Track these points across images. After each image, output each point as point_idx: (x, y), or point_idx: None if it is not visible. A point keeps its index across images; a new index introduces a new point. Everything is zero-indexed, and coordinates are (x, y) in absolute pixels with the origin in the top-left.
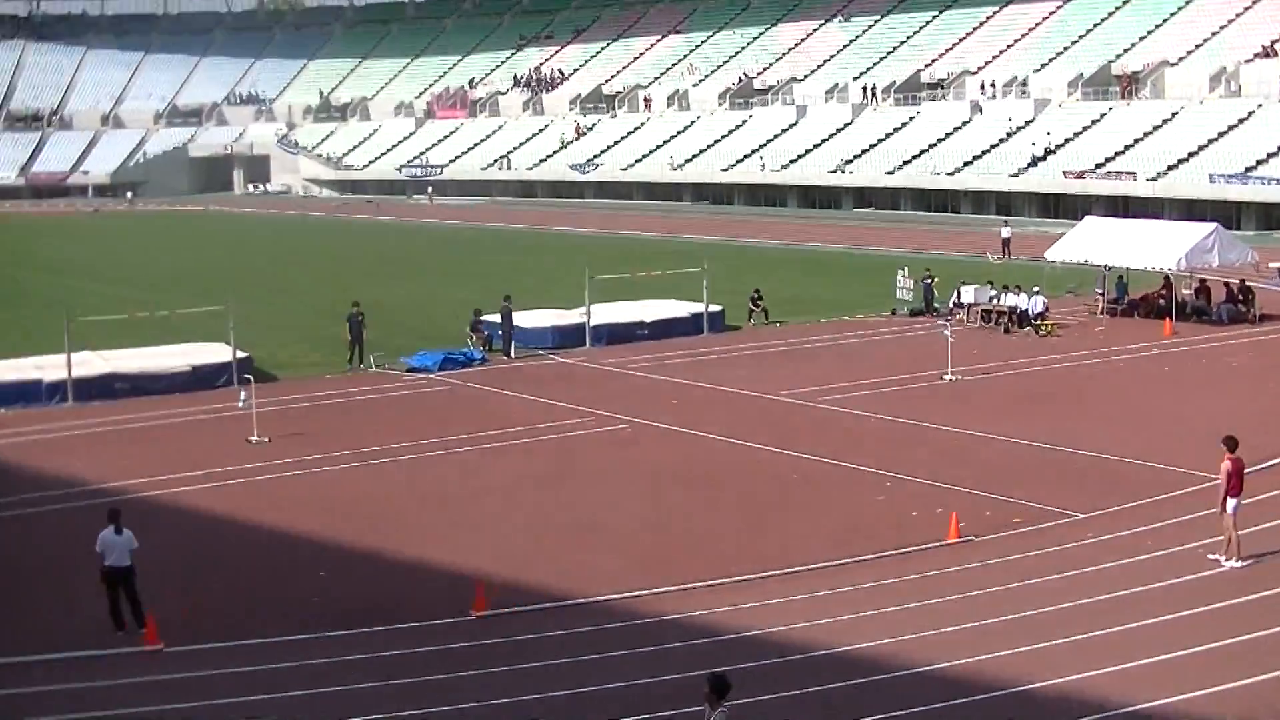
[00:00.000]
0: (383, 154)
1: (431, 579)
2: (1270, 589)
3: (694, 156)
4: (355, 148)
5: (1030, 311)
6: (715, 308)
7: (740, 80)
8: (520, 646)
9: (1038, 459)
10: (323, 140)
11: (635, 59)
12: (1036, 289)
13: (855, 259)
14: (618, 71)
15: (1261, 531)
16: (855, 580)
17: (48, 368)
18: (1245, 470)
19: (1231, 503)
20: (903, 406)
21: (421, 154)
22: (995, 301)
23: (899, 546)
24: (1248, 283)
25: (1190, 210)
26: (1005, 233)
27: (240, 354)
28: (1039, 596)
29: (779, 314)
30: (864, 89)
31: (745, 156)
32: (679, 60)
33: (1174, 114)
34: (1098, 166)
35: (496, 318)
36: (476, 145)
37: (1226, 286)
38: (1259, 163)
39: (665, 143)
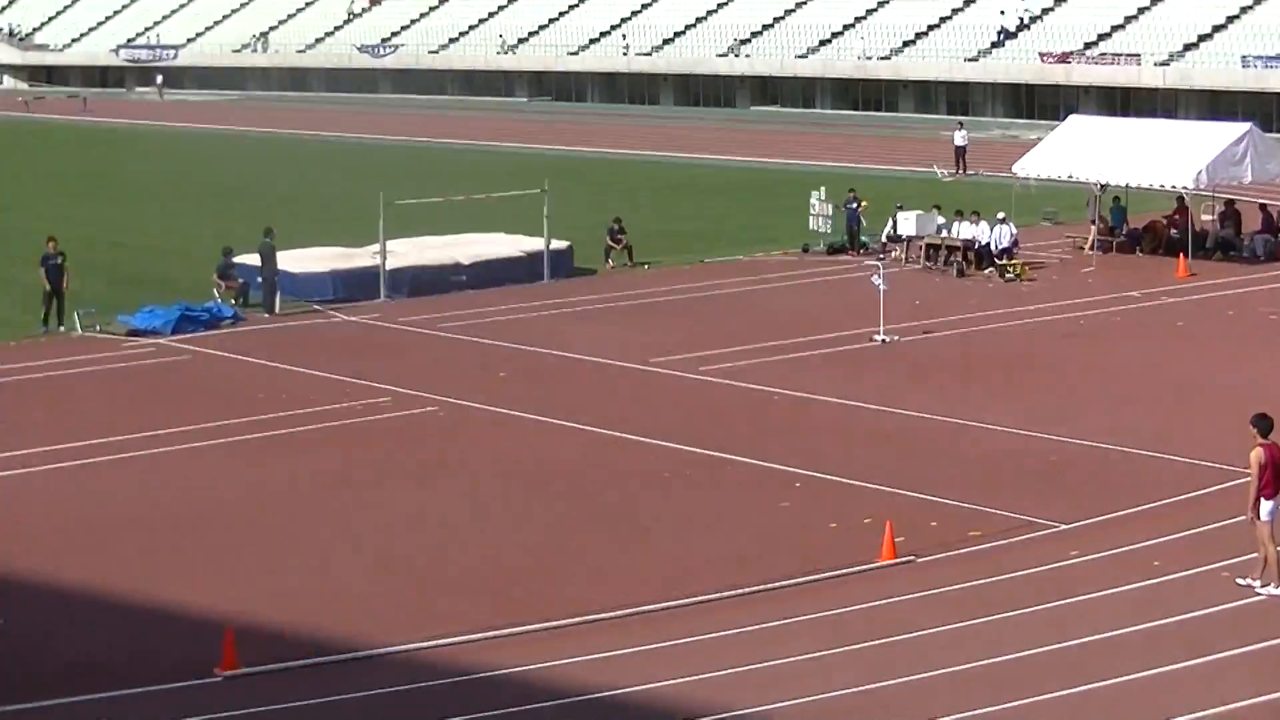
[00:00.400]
0: (91, 29)
1: (162, 626)
2: None
3: (531, 35)
4: (51, 20)
5: (993, 246)
6: (560, 244)
7: None
8: (280, 718)
9: (1003, 449)
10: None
11: None
12: (1002, 216)
13: (754, 177)
14: None
15: None
16: (750, 619)
17: None
18: None
19: (1267, 506)
20: (818, 379)
21: (147, 30)
22: (945, 234)
23: (812, 571)
24: None
25: (1214, 106)
26: (959, 138)
27: None
28: (1003, 640)
29: (648, 253)
30: None
31: (602, 35)
32: None
33: None
34: (1087, 47)
35: (255, 260)
36: (225, 19)
37: (1263, 211)
38: None
39: (492, 15)
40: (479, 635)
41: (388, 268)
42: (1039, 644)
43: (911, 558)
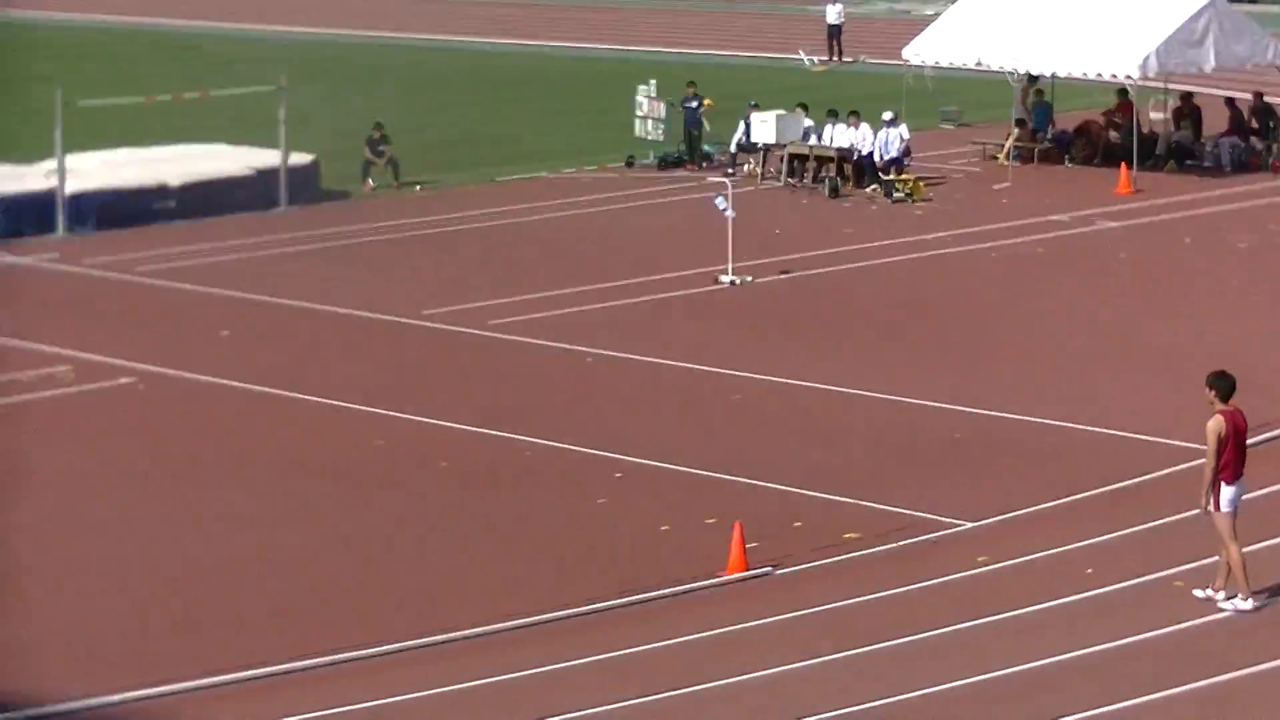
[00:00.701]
0: None
1: None
2: None
3: None
4: None
5: (877, 157)
6: (302, 159)
7: None
8: None
9: (890, 425)
10: None
11: None
12: (889, 116)
13: (568, 68)
14: None
15: None
16: (536, 658)
17: None
18: (1249, 434)
19: (1228, 494)
20: (645, 335)
21: None
22: (814, 141)
23: (636, 589)
24: (1268, 99)
25: None
26: (833, 15)
27: None
28: (886, 678)
29: (422, 169)
30: None
31: None
32: None
33: None
34: None
35: None
36: None
37: (1230, 107)
38: None
39: None
40: (203, 681)
41: (68, 191)
42: (934, 682)
43: (768, 569)
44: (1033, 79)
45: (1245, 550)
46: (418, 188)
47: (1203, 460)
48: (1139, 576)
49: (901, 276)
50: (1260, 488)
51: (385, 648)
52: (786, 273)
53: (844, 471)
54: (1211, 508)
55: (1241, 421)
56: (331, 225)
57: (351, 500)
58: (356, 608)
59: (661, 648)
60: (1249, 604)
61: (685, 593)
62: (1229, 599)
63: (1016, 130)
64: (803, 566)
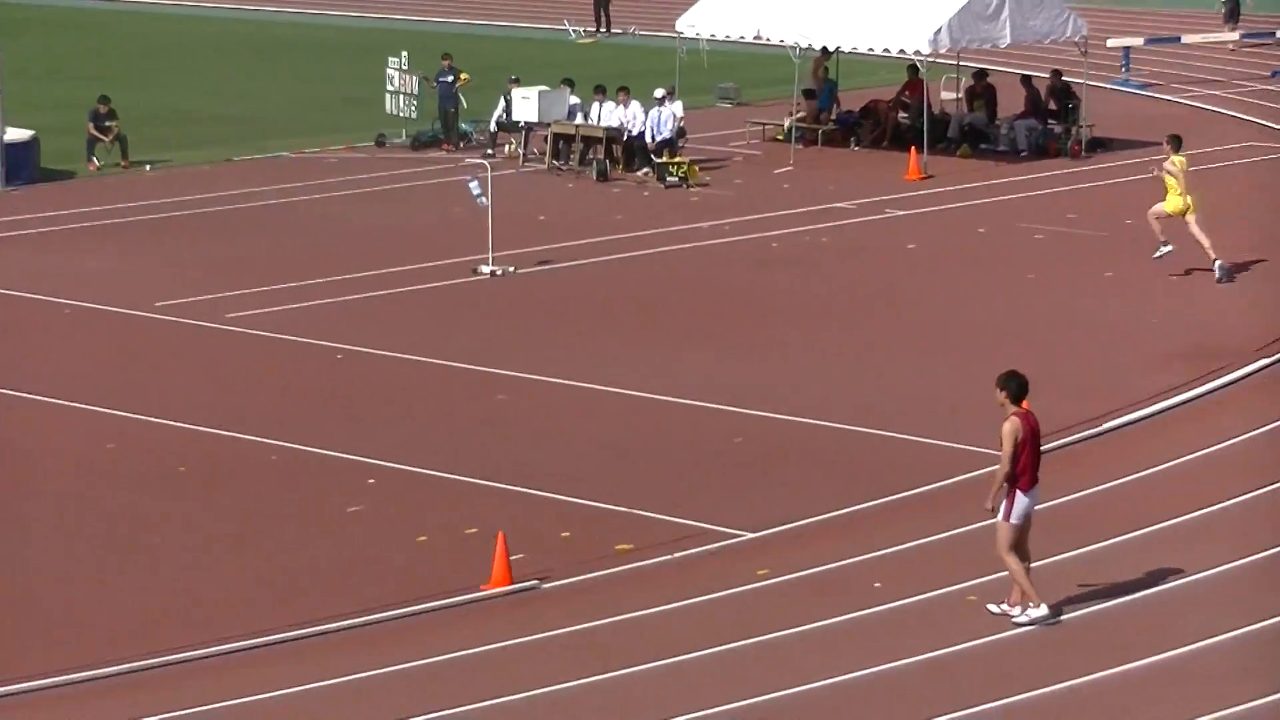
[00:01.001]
0: None
1: None
2: (1100, 667)
3: None
4: None
5: (649, 137)
6: (19, 135)
7: None
8: None
9: (665, 427)
10: None
11: None
12: (661, 94)
13: (303, 35)
14: None
15: (1082, 556)
16: (299, 675)
17: None
18: (1044, 438)
19: (1021, 503)
20: (398, 330)
21: None
22: (581, 119)
23: (390, 604)
24: (1066, 78)
25: None
26: None
27: None
28: (660, 700)
29: (151, 148)
30: None
31: None
32: None
33: None
34: None
35: None
36: None
37: (1027, 86)
38: None
39: None
40: None
41: None
42: (710, 704)
43: (534, 583)
44: (826, 51)
45: (1044, 562)
46: (147, 168)
47: (995, 468)
48: (930, 590)
49: (676, 268)
50: (1058, 495)
51: (102, 670)
52: (551, 263)
53: (616, 478)
54: (1001, 516)
55: (1035, 424)
56: (53, 208)
57: (78, 507)
58: (77, 627)
59: (417, 667)
60: (1043, 610)
61: (444, 608)
62: (1023, 612)
63: (805, 102)
64: (571, 580)
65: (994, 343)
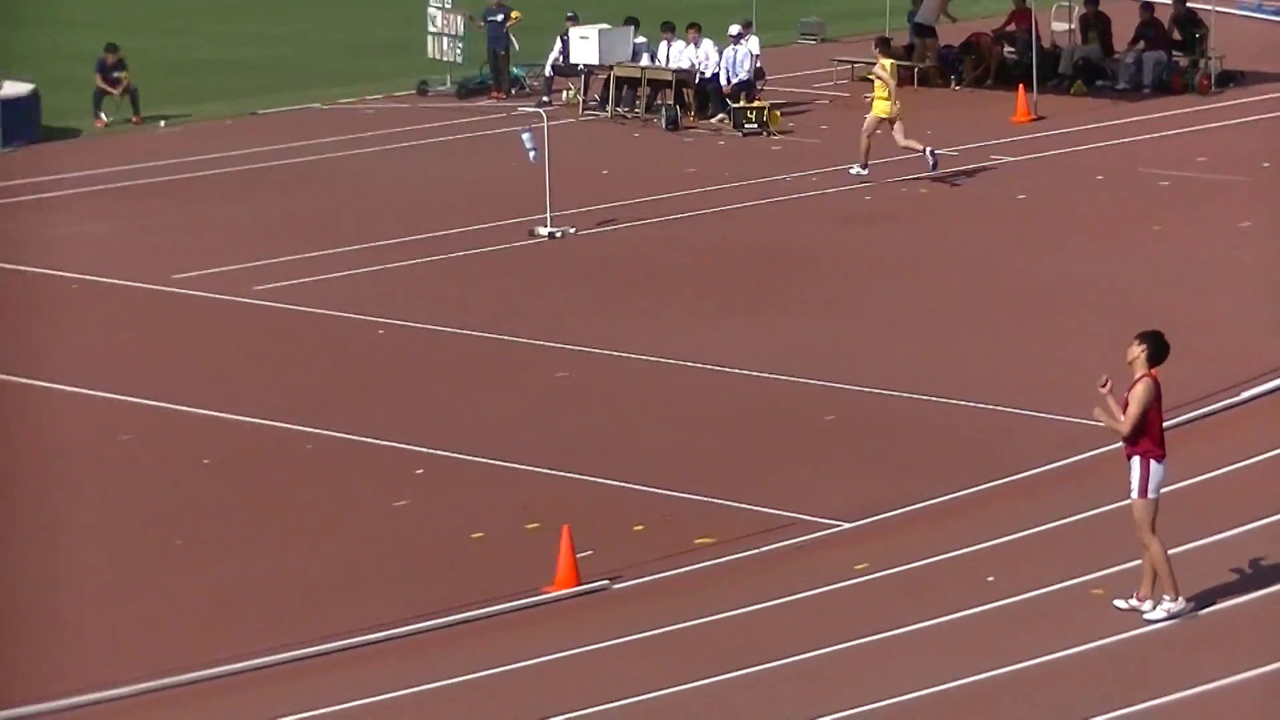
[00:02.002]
0: None
1: None
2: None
3: None
4: None
5: (724, 79)
6: (18, 90)
7: None
8: None
9: (750, 407)
10: None
11: None
12: (737, 30)
13: None
14: None
15: (1219, 544)
16: (355, 686)
17: None
18: (1173, 409)
19: (1158, 473)
20: (446, 300)
21: None
22: (647, 61)
23: (445, 609)
24: (1192, 4)
25: None
26: None
27: None
28: (744, 709)
29: (165, 101)
30: None
31: None
32: None
33: None
34: None
35: None
36: None
37: (1147, 12)
38: None
39: None
40: None
41: None
42: (806, 715)
43: (604, 583)
44: None
45: (1172, 551)
46: (161, 123)
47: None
48: (1049, 584)
49: (756, 227)
50: (1189, 474)
51: (136, 686)
52: (615, 223)
53: (692, 463)
54: (1137, 492)
55: (1156, 391)
56: (56, 170)
57: (90, 507)
58: (110, 633)
59: (474, 679)
60: (1179, 604)
61: (504, 613)
62: (1155, 607)
63: (926, 41)
64: (646, 579)
65: (1113, 304)
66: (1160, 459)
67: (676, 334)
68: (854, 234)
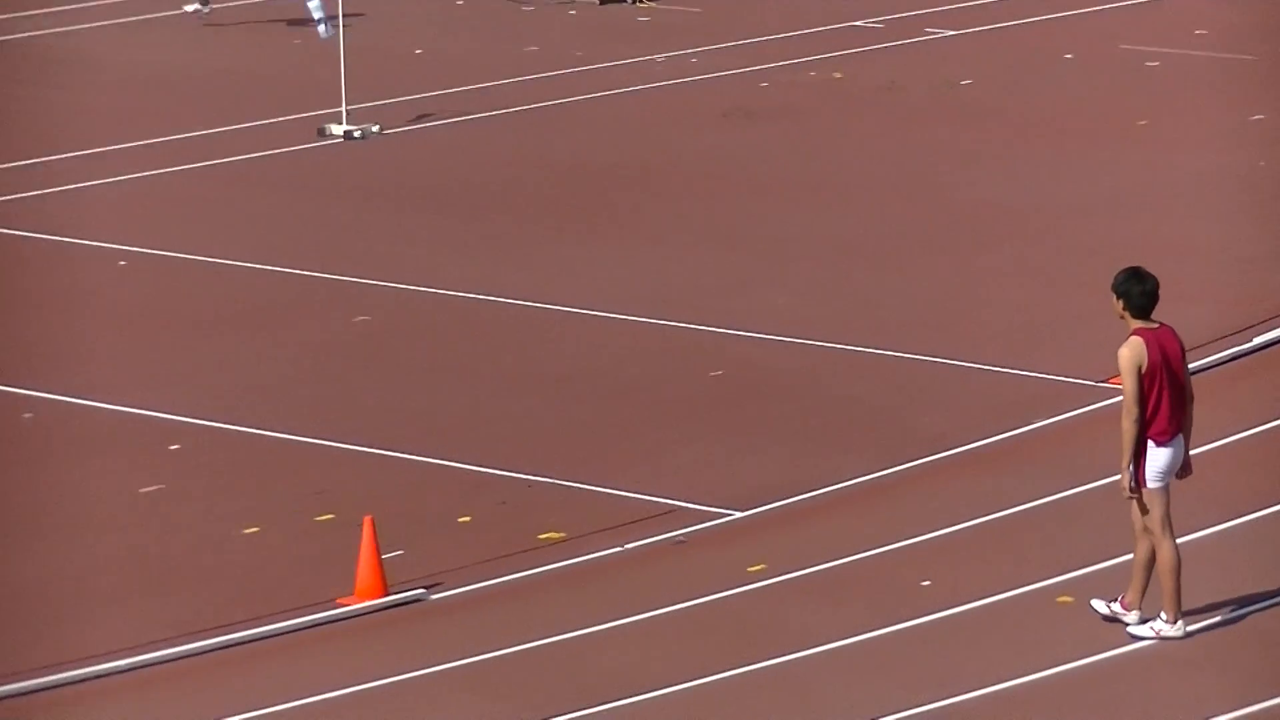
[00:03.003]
0: None
1: None
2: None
3: None
4: None
5: None
6: None
7: None
8: None
9: (606, 361)
10: None
11: None
12: None
13: None
14: None
15: (1228, 534)
16: None
17: None
18: (1191, 367)
19: (1157, 459)
20: (210, 222)
21: None
22: None
23: (199, 630)
24: None
25: None
26: None
27: None
28: None
29: None
30: None
31: None
32: None
33: None
34: None
35: None
36: None
37: None
38: None
39: None
40: None
41: None
42: None
43: (420, 591)
44: None
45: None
46: None
47: (1117, 400)
48: (1003, 590)
49: (616, 125)
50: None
51: None
52: (433, 119)
53: (536, 435)
54: (1135, 484)
55: (1173, 346)
56: None
57: None
58: None
59: None
60: (1174, 629)
61: (287, 633)
62: (1145, 621)
63: None
64: (473, 586)
65: (1086, 226)
66: (1161, 439)
67: (510, 266)
68: (742, 137)
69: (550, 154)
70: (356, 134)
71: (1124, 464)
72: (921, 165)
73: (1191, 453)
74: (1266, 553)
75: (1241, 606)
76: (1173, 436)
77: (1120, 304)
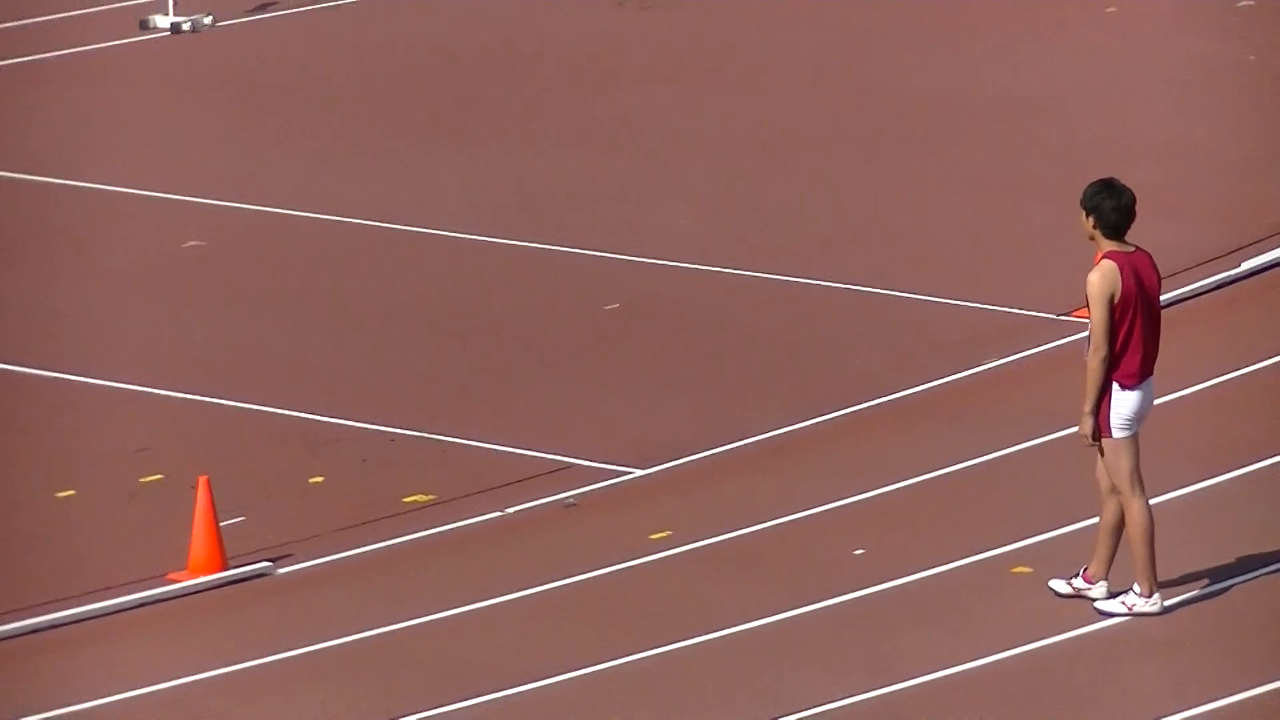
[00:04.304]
0: None
1: None
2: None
3: None
4: None
5: None
6: None
7: None
8: None
9: (478, 287)
10: None
11: None
12: None
13: None
14: None
15: (1207, 493)
16: None
17: None
18: (1171, 295)
19: (1125, 402)
20: (9, 134)
21: None
22: None
23: (13, 610)
24: None
25: None
26: None
27: None
28: None
29: None
30: None
31: None
32: None
33: None
34: None
35: None
36: None
37: None
38: None
39: None
40: None
41: None
42: None
43: (265, 565)
44: None
45: (1160, 499)
46: None
47: (1084, 335)
48: (949, 560)
49: (485, 8)
50: (1168, 387)
51: None
52: (273, 9)
53: (400, 380)
54: (1097, 434)
55: (1149, 274)
56: None
57: None
58: None
59: (61, 717)
60: (1150, 603)
61: (107, 614)
62: (1114, 595)
63: None
64: (326, 559)
65: (1048, 126)
66: (1131, 383)
67: (361, 177)
68: (634, 20)
69: (406, 44)
70: (185, 26)
71: (1086, 408)
72: (850, 51)
73: (1161, 399)
74: (1256, 513)
75: (1228, 577)
76: (1143, 379)
77: (1090, 221)
